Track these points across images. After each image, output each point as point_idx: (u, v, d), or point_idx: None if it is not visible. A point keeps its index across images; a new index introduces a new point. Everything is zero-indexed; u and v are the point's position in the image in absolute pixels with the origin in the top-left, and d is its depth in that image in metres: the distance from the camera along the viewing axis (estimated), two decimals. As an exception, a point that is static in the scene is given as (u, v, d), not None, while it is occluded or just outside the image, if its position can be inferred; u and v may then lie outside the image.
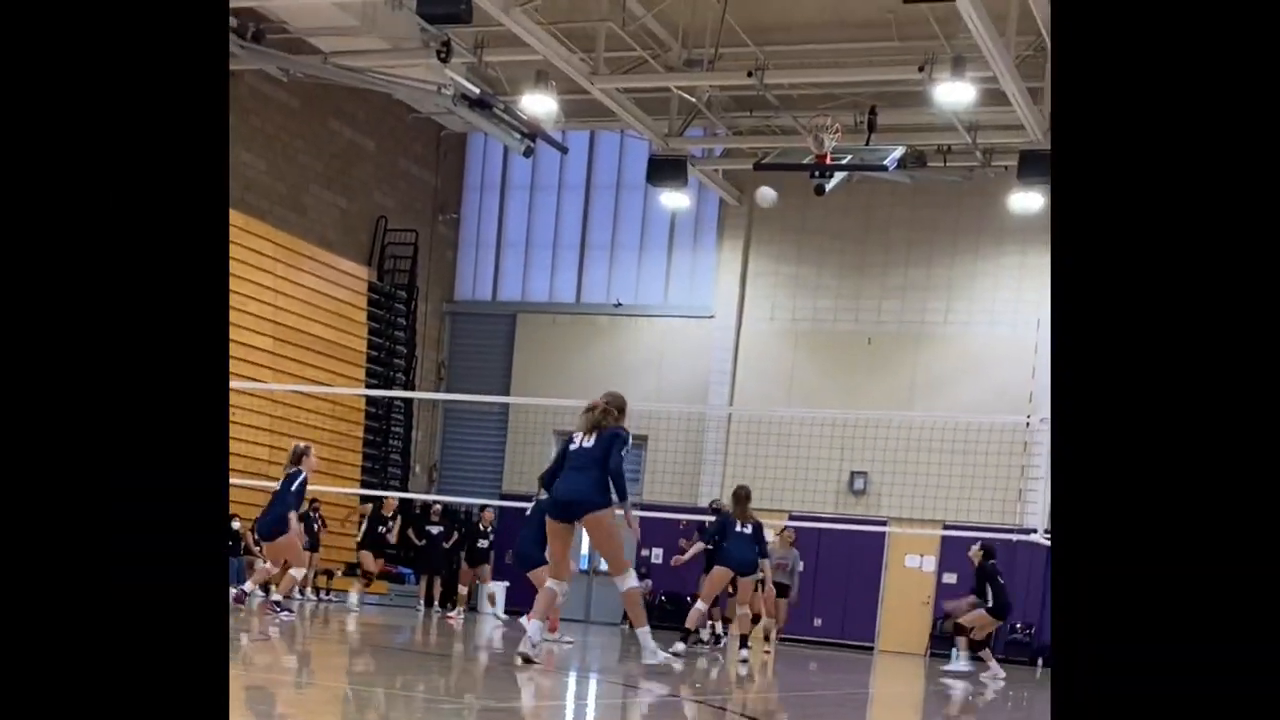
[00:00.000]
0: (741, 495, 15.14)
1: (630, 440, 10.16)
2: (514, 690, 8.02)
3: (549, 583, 10.29)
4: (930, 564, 22.90)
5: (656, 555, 23.43)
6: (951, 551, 21.92)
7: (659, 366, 25.53)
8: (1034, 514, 20.64)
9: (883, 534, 21.84)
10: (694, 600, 15.78)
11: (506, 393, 25.78)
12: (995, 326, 23.71)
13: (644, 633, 10.34)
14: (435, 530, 22.79)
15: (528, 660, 9.67)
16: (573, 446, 10.16)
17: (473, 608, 23.93)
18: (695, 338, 25.66)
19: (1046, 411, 22.13)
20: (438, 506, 23.25)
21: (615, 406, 10.28)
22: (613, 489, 9.76)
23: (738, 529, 14.86)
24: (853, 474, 23.91)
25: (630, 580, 10.12)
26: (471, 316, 27.84)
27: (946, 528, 21.22)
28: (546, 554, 11.31)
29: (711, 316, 25.56)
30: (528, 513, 14.46)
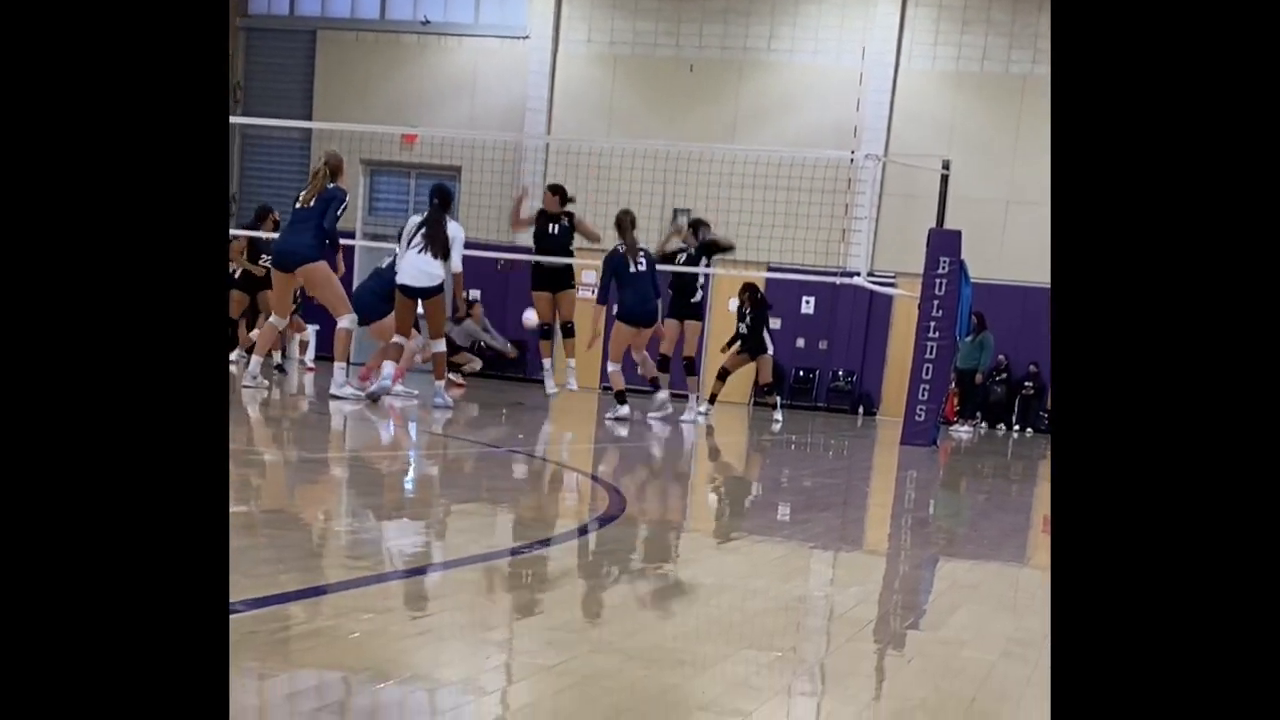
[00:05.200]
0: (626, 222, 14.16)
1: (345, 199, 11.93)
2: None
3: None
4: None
5: (475, 294, 23.37)
6: (777, 295, 21.89)
7: (472, 91, 25.12)
8: (857, 256, 21.01)
9: (706, 275, 21.54)
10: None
11: (309, 118, 24.90)
12: (819, 56, 23.79)
13: (339, 368, 12.21)
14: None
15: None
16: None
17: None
18: (510, 60, 25.22)
19: (871, 147, 22.65)
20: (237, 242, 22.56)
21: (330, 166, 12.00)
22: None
23: (631, 269, 14.09)
24: (675, 211, 23.34)
25: (345, 322, 12.12)
26: (268, 33, 26.66)
27: (771, 269, 21.48)
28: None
29: (526, 37, 25.08)
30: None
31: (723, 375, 17.54)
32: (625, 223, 14.06)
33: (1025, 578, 5.11)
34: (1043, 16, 22.80)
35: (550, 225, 14.46)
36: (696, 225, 16.07)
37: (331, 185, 11.90)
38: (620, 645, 2.95)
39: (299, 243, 11.90)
